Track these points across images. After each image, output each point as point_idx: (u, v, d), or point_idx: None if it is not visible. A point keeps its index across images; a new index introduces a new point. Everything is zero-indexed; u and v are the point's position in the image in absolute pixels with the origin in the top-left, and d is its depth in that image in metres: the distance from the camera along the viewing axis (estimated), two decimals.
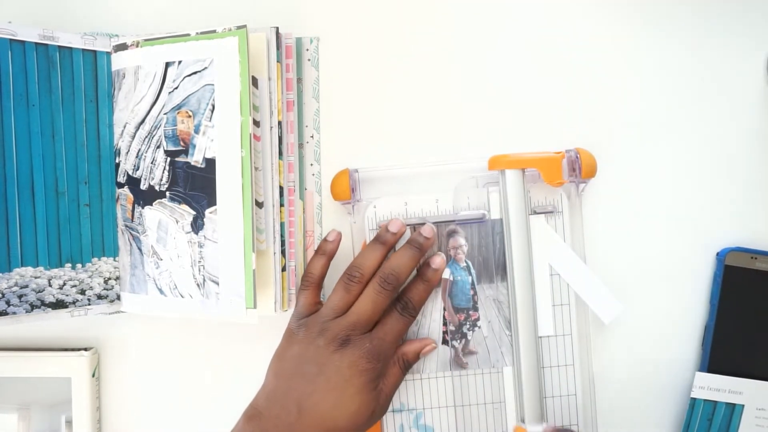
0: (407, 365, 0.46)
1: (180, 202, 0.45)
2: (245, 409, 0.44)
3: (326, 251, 0.47)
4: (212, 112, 0.44)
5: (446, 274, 0.48)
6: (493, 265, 0.48)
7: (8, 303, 0.44)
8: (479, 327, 0.48)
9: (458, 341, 0.48)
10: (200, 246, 0.45)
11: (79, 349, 0.50)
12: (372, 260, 0.46)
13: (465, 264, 0.48)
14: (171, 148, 0.45)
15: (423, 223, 0.47)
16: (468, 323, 0.48)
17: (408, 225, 0.47)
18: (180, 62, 0.44)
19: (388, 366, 0.45)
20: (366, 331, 0.44)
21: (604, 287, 0.47)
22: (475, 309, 0.48)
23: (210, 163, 0.44)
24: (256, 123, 0.45)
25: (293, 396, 0.42)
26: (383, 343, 0.44)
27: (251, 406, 0.44)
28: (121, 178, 0.47)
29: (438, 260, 0.47)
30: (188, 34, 0.44)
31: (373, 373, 0.43)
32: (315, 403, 0.42)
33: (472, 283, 0.48)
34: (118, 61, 0.47)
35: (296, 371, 0.43)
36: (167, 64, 0.45)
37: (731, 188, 0.50)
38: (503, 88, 0.50)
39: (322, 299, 0.47)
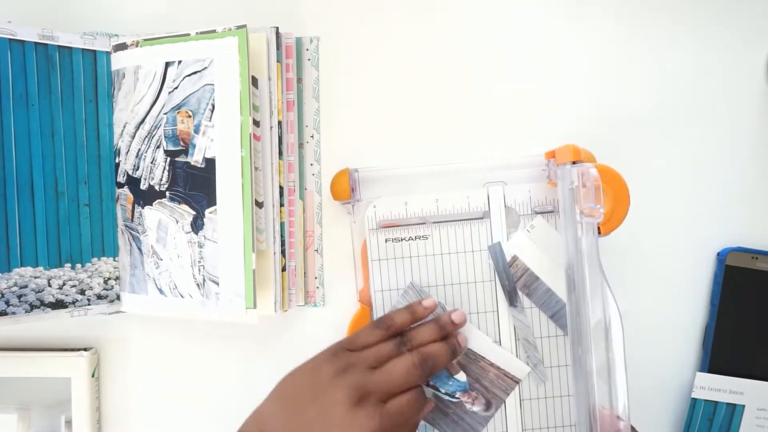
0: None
1: (180, 202, 0.45)
2: (251, 416, 0.41)
3: (417, 314, 0.45)
4: (212, 112, 0.44)
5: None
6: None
7: (8, 303, 0.44)
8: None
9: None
10: (200, 246, 0.45)
11: (78, 349, 0.49)
12: (401, 321, 0.44)
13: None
14: (171, 148, 0.45)
15: (424, 223, 0.48)
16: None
17: (408, 224, 0.48)
18: (180, 62, 0.44)
19: None
20: (384, 398, 0.40)
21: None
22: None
23: (210, 163, 0.44)
24: (256, 123, 0.45)
25: None
26: (395, 421, 0.40)
27: (254, 419, 0.41)
28: (121, 178, 0.47)
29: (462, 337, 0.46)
30: (188, 34, 0.44)
31: None
32: None
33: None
34: (118, 60, 0.47)
35: (302, 410, 0.40)
36: (167, 64, 0.45)
37: (731, 188, 0.50)
38: (503, 88, 0.50)
39: None
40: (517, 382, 0.47)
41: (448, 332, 0.45)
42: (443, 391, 0.45)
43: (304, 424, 0.39)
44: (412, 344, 0.43)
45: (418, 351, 0.42)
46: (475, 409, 0.47)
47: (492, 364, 0.47)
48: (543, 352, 0.48)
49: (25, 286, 0.45)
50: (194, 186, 0.44)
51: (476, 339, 0.47)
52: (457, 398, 0.45)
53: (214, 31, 0.44)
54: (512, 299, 0.47)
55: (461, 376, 0.45)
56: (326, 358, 0.41)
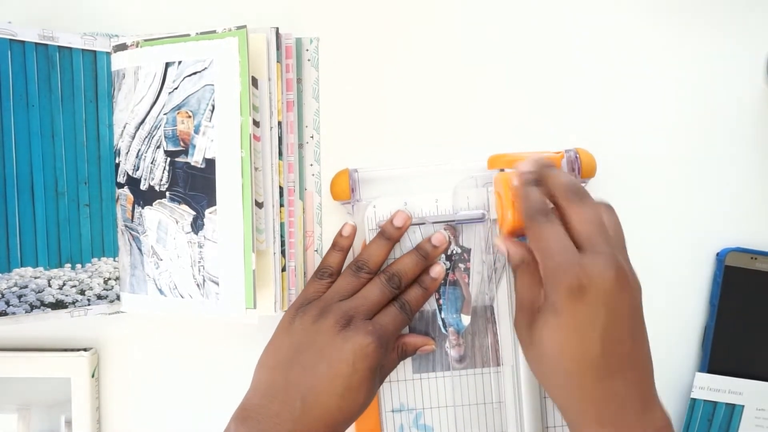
0: (404, 355, 0.46)
1: (180, 203, 0.45)
2: (234, 412, 0.41)
3: (343, 247, 0.47)
4: (212, 112, 0.44)
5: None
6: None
7: (8, 303, 0.44)
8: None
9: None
10: (200, 246, 0.45)
11: (78, 350, 0.50)
12: (378, 255, 0.46)
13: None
14: (171, 148, 0.45)
15: (423, 223, 0.48)
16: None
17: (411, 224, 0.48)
18: (180, 62, 0.44)
19: (388, 353, 0.44)
20: (368, 318, 0.43)
21: None
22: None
23: (210, 163, 0.44)
24: (256, 123, 0.45)
25: (294, 390, 0.40)
26: (385, 330, 0.43)
27: (242, 408, 0.41)
28: (121, 179, 0.47)
29: (437, 269, 0.47)
30: (188, 35, 0.44)
31: (377, 360, 0.41)
32: (318, 396, 0.40)
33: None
34: (118, 61, 0.47)
35: (294, 362, 0.41)
36: (167, 65, 0.45)
37: (731, 188, 0.50)
38: (503, 88, 0.50)
39: None
40: (498, 364, 0.48)
41: (394, 239, 0.47)
42: (442, 316, 0.47)
43: (307, 368, 0.41)
44: (369, 267, 0.45)
45: (382, 271, 0.46)
46: (451, 353, 0.48)
47: (496, 335, 0.48)
48: None
49: (25, 287, 0.45)
50: (194, 186, 0.45)
51: (502, 304, 0.48)
52: (446, 332, 0.47)
53: (214, 32, 0.44)
54: None
55: (466, 320, 0.46)
56: (290, 324, 0.44)
